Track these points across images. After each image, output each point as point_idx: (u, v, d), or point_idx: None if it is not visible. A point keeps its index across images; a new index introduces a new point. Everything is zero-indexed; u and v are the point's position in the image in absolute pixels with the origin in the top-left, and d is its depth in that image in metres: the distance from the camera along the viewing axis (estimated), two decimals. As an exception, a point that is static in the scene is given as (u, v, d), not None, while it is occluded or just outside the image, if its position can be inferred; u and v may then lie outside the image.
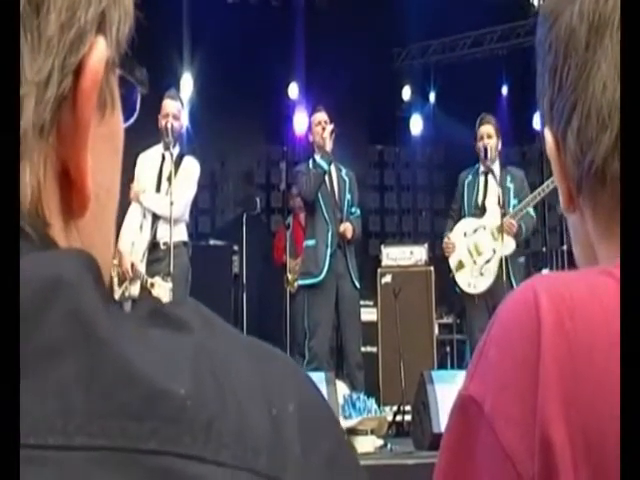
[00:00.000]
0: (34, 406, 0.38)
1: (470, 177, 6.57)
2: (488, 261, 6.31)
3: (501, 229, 6.17)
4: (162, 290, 5.57)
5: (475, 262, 6.36)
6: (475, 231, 6.42)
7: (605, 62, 0.68)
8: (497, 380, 0.62)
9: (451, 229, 6.57)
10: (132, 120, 0.54)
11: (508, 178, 6.46)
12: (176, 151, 5.91)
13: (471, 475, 0.62)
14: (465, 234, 6.45)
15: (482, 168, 6.51)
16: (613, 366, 0.58)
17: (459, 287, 6.40)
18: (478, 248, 6.37)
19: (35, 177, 0.45)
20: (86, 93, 0.46)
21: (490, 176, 6.47)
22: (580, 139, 0.70)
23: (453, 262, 6.45)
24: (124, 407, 0.39)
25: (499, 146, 6.49)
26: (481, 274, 6.29)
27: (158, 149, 5.93)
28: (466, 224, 6.49)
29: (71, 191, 0.47)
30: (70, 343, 0.40)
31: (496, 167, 6.48)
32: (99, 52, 0.46)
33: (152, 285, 5.63)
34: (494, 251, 6.28)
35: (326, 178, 6.56)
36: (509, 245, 6.26)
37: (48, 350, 0.40)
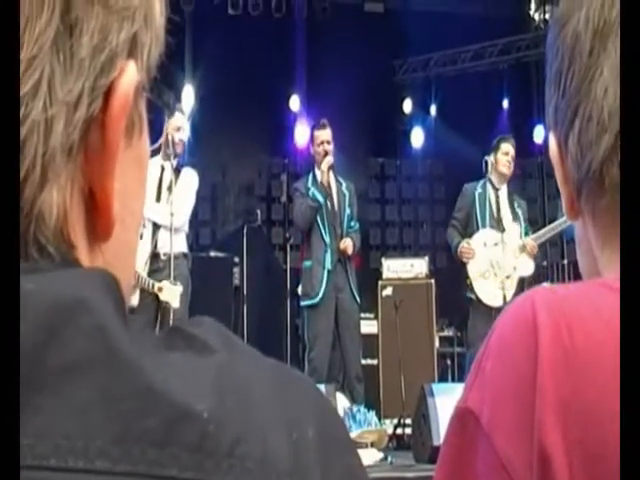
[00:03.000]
0: (54, 425, 0.38)
1: (480, 190, 6.60)
2: (508, 277, 6.31)
3: (522, 249, 6.26)
4: (171, 293, 5.54)
5: (496, 275, 6.34)
6: (496, 244, 6.40)
7: (608, 67, 0.69)
8: (495, 392, 0.62)
9: (457, 237, 6.52)
10: (157, 144, 0.53)
11: (515, 203, 6.58)
12: (174, 161, 5.92)
13: None
14: (485, 244, 6.42)
15: (494, 183, 6.55)
16: (611, 380, 0.59)
17: (475, 295, 6.33)
18: (499, 262, 6.36)
19: (62, 198, 0.44)
20: (115, 116, 0.46)
21: (500, 193, 6.55)
22: (581, 142, 0.71)
23: (473, 270, 6.38)
24: (146, 431, 0.39)
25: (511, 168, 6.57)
26: (501, 289, 6.27)
27: (157, 159, 5.92)
28: (486, 235, 6.46)
29: (96, 214, 0.47)
30: (91, 361, 0.40)
31: (504, 188, 6.57)
32: (129, 76, 0.46)
33: (160, 289, 5.59)
34: (514, 269, 6.31)
35: (325, 203, 6.54)
36: (529, 266, 6.31)
37: (69, 368, 0.39)
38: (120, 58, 0.46)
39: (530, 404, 0.59)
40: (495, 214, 6.48)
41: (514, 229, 6.40)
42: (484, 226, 6.49)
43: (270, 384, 0.45)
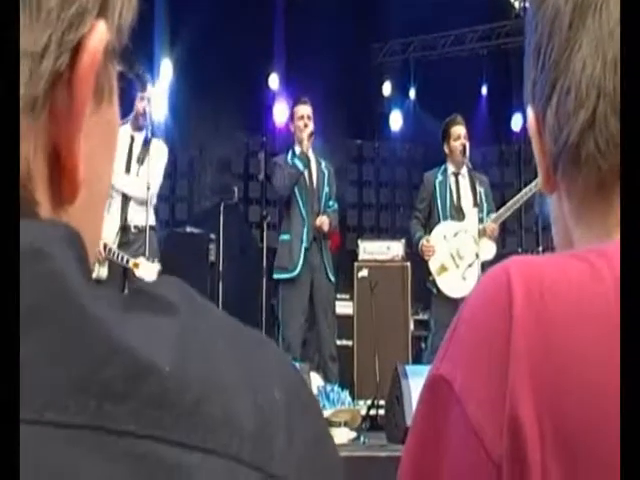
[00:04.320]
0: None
1: (440, 177, 6.55)
2: (470, 265, 6.32)
3: (482, 233, 6.23)
4: (149, 271, 5.45)
5: (458, 266, 6.34)
6: (456, 234, 6.40)
7: (586, 41, 0.69)
8: (468, 359, 0.62)
9: (419, 231, 6.51)
10: (129, 118, 0.53)
11: (477, 182, 6.47)
12: (143, 133, 5.88)
13: (441, 454, 0.62)
14: (445, 237, 6.41)
15: (452, 169, 6.52)
16: (581, 346, 0.59)
17: (438, 289, 6.35)
18: (460, 252, 6.37)
19: (24, 155, 0.43)
20: (83, 73, 0.44)
21: (460, 177, 6.50)
22: (558, 115, 0.71)
23: (434, 265, 6.38)
24: (103, 384, 0.38)
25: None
26: (464, 278, 6.29)
27: (126, 129, 5.84)
28: (445, 227, 6.45)
29: (61, 175, 0.45)
30: (48, 308, 0.38)
31: (464, 170, 6.51)
32: (99, 34, 0.45)
33: (136, 265, 5.52)
34: (477, 255, 6.30)
35: (304, 173, 6.54)
36: (491, 249, 6.30)
37: (23, 315, 0.38)
38: (90, 15, 0.45)
39: (503, 371, 0.59)
40: (455, 202, 6.46)
41: (474, 215, 6.33)
42: (445, 217, 6.46)
43: (236, 345, 0.44)
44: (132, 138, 5.83)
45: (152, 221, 5.93)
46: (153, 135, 6.04)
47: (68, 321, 0.38)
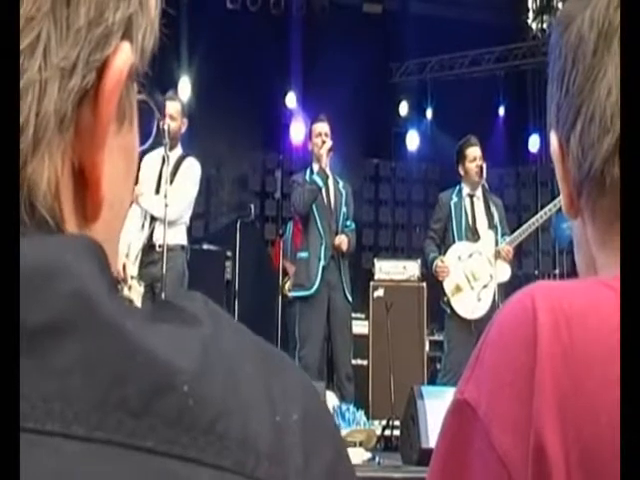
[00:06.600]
0: (32, 387, 0.38)
1: (455, 198, 6.54)
2: (485, 286, 6.30)
3: (498, 255, 6.22)
4: (134, 293, 5.48)
5: (472, 288, 6.33)
6: (470, 256, 6.38)
7: (611, 68, 0.69)
8: (493, 385, 0.62)
9: (433, 251, 6.48)
10: (147, 145, 0.54)
11: (492, 204, 6.47)
12: (178, 152, 5.90)
13: (465, 479, 0.62)
14: (460, 258, 6.39)
15: (467, 190, 6.50)
16: (609, 377, 0.59)
17: (452, 310, 6.33)
18: (475, 273, 6.35)
19: (54, 169, 0.44)
20: (108, 93, 0.46)
21: (475, 199, 6.49)
22: (582, 142, 0.71)
23: (449, 286, 6.37)
24: (125, 399, 0.39)
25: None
26: (479, 299, 6.28)
27: (160, 151, 5.88)
28: (460, 248, 6.43)
29: (85, 193, 0.47)
30: (72, 323, 0.39)
31: (479, 192, 6.50)
32: (124, 55, 0.46)
33: (130, 288, 5.55)
34: (491, 277, 6.28)
35: (322, 190, 6.54)
36: (505, 271, 6.29)
37: (49, 328, 0.39)
38: (115, 37, 0.46)
39: (528, 398, 0.59)
40: (471, 223, 6.45)
41: (489, 236, 6.35)
42: (460, 238, 6.44)
43: (257, 362, 0.44)
44: (163, 159, 5.85)
45: (182, 240, 5.92)
46: (186, 153, 6.08)
47: (92, 336, 0.39)
